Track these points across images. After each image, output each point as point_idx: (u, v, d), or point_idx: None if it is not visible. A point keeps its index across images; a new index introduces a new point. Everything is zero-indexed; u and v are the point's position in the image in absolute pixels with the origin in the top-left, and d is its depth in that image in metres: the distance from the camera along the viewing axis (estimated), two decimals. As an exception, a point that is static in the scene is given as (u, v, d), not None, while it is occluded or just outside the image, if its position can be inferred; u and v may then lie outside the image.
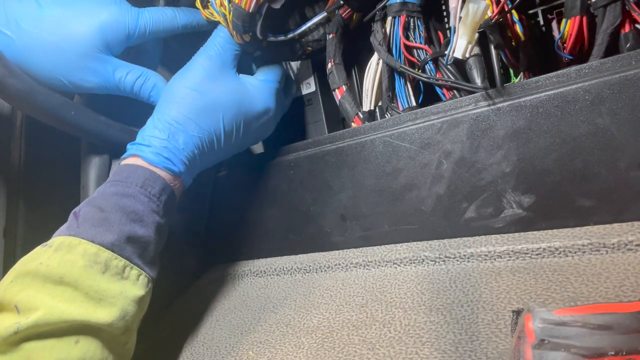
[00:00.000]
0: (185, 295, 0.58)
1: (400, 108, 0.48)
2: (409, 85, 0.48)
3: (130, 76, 0.49)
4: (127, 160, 0.44)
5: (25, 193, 0.57)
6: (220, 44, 0.49)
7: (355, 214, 0.49)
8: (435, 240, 0.44)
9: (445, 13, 0.51)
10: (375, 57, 0.49)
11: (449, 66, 0.45)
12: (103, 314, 0.36)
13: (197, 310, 0.53)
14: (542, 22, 0.48)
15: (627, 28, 0.38)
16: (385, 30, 0.48)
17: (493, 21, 0.40)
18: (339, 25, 0.51)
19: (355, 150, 0.48)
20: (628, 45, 0.38)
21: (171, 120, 0.45)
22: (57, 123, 0.48)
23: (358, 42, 0.54)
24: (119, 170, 0.43)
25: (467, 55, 0.41)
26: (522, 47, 0.44)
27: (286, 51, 0.53)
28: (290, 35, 0.51)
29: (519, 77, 0.46)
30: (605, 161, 0.36)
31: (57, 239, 0.38)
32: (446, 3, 0.50)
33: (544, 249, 0.38)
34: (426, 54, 0.46)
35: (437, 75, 0.45)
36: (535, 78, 0.39)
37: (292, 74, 0.60)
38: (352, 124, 0.51)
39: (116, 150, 0.49)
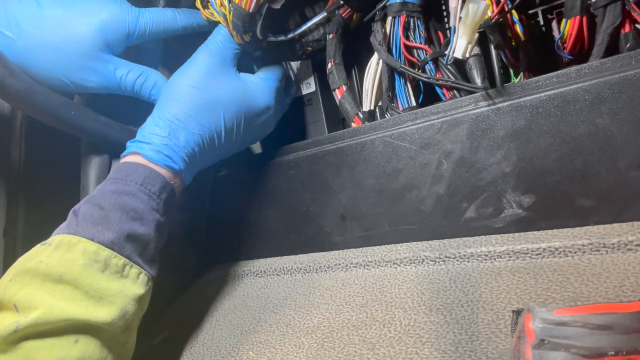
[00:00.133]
0: (185, 295, 0.58)
1: (400, 108, 0.48)
2: (409, 85, 0.48)
3: (131, 75, 0.49)
4: (127, 158, 0.44)
5: (25, 193, 0.57)
6: (221, 42, 0.49)
7: (355, 214, 0.49)
8: (435, 240, 0.44)
9: (445, 13, 0.51)
10: (375, 57, 0.49)
11: (449, 66, 0.45)
12: (103, 313, 0.36)
13: (197, 310, 0.53)
14: (542, 22, 0.48)
15: (627, 28, 0.38)
16: (385, 30, 0.48)
17: (493, 21, 0.40)
18: (339, 25, 0.51)
19: (355, 150, 0.48)
20: (628, 45, 0.38)
21: (172, 117, 0.45)
22: (57, 123, 0.48)
23: (358, 42, 0.54)
24: (119, 168, 0.43)
25: (467, 55, 0.41)
26: (522, 47, 0.44)
27: (286, 51, 0.53)
28: (290, 35, 0.51)
29: (519, 77, 0.46)
30: (605, 161, 0.36)
31: (56, 237, 0.38)
32: (446, 3, 0.50)
33: (544, 249, 0.38)
34: (426, 54, 0.46)
35: (437, 75, 0.45)
36: (535, 78, 0.39)
37: (292, 74, 0.60)
38: (352, 124, 0.51)
39: (116, 150, 0.49)
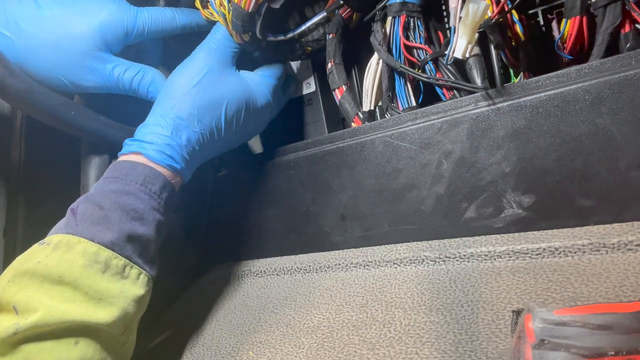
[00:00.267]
0: (185, 295, 0.58)
1: (400, 108, 0.48)
2: (409, 85, 0.48)
3: (128, 73, 0.49)
4: (126, 157, 0.43)
5: (25, 193, 0.57)
6: (220, 40, 0.49)
7: (355, 214, 0.49)
8: (435, 240, 0.44)
9: (445, 13, 0.51)
10: (375, 57, 0.49)
11: (449, 66, 0.45)
12: (103, 314, 0.36)
13: (197, 310, 0.53)
14: (542, 22, 0.48)
15: (627, 28, 0.38)
16: (385, 30, 0.48)
17: (493, 21, 0.40)
18: (339, 25, 0.51)
19: (355, 150, 0.48)
20: (628, 45, 0.38)
21: (174, 116, 0.45)
22: (57, 123, 0.48)
23: (358, 42, 0.54)
24: (117, 167, 0.42)
25: (467, 55, 0.41)
26: (522, 47, 0.44)
27: (286, 51, 0.53)
28: (289, 35, 0.51)
29: (519, 77, 0.46)
30: (605, 161, 0.36)
31: (55, 237, 0.37)
32: (446, 3, 0.50)
33: (544, 249, 0.38)
34: (426, 54, 0.46)
35: (437, 75, 0.45)
36: (535, 78, 0.39)
37: (292, 73, 0.60)
38: (352, 124, 0.51)
39: (116, 150, 0.49)
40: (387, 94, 0.49)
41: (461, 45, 0.40)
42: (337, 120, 0.59)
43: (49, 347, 0.34)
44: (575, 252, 0.37)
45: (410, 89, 0.48)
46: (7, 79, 0.44)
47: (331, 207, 0.50)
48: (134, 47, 0.53)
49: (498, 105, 0.40)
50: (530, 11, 0.48)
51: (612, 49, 0.39)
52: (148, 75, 0.50)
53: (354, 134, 0.48)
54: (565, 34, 0.41)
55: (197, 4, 0.52)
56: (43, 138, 0.59)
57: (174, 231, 0.48)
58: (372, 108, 0.51)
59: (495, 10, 0.39)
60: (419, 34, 0.47)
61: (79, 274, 0.36)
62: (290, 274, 0.51)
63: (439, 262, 0.42)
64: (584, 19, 0.40)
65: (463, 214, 0.43)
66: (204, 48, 0.49)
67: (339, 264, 0.48)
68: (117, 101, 0.54)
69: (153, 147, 0.43)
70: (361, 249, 0.48)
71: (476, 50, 0.43)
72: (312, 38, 0.53)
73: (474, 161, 0.42)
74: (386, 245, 0.47)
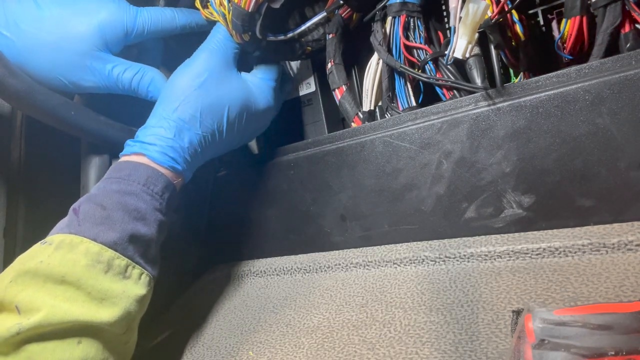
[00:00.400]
0: (185, 295, 0.58)
1: (400, 108, 0.48)
2: (409, 85, 0.48)
3: (128, 73, 0.49)
4: (128, 157, 0.43)
5: (25, 193, 0.57)
6: (221, 41, 0.49)
7: (355, 214, 0.49)
8: (435, 240, 0.44)
9: (445, 13, 0.51)
10: (375, 57, 0.49)
11: (449, 66, 0.45)
12: (105, 314, 0.36)
13: (197, 310, 0.53)
14: (542, 22, 0.48)
15: (627, 28, 0.38)
16: (385, 30, 0.48)
17: (493, 21, 0.40)
18: (338, 25, 0.51)
19: (355, 150, 0.48)
20: (628, 45, 0.38)
21: (177, 118, 0.45)
22: (57, 123, 0.48)
23: (358, 42, 0.54)
24: (119, 167, 0.42)
25: (467, 55, 0.41)
26: (522, 47, 0.44)
27: (286, 51, 0.53)
28: (289, 35, 0.51)
29: (519, 77, 0.46)
30: (605, 161, 0.36)
31: (57, 237, 0.37)
32: (446, 3, 0.50)
33: (544, 249, 0.38)
34: (426, 54, 0.46)
35: (437, 75, 0.45)
36: (535, 78, 0.39)
37: (291, 73, 0.60)
38: (352, 124, 0.51)
39: (116, 150, 0.49)
40: (387, 94, 0.49)
41: (461, 45, 0.40)
42: (337, 120, 0.59)
43: (52, 347, 0.34)
44: (575, 252, 0.37)
45: (410, 89, 0.48)
46: (7, 79, 0.44)
47: (331, 207, 0.50)
48: (134, 47, 0.53)
49: (498, 105, 0.40)
50: (530, 11, 0.48)
51: (612, 49, 0.39)
52: (147, 75, 0.50)
53: (354, 134, 0.48)
54: (565, 34, 0.41)
55: (197, 3, 0.52)
56: (43, 138, 0.59)
57: (175, 231, 0.48)
58: (372, 108, 0.51)
59: (495, 10, 0.39)
60: (419, 34, 0.47)
61: (82, 274, 0.36)
62: (290, 274, 0.51)
63: (439, 262, 0.42)
64: (584, 19, 0.40)
65: (463, 214, 0.43)
66: (206, 49, 0.49)
67: (339, 264, 0.48)
68: (117, 101, 0.54)
69: (156, 148, 0.43)
70: (361, 249, 0.48)
71: (476, 50, 0.43)
72: (312, 38, 0.53)
73: (474, 161, 0.42)
74: (386, 245, 0.47)
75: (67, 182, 0.58)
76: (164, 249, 0.44)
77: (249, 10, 0.46)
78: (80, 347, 0.35)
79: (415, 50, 0.47)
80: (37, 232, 0.55)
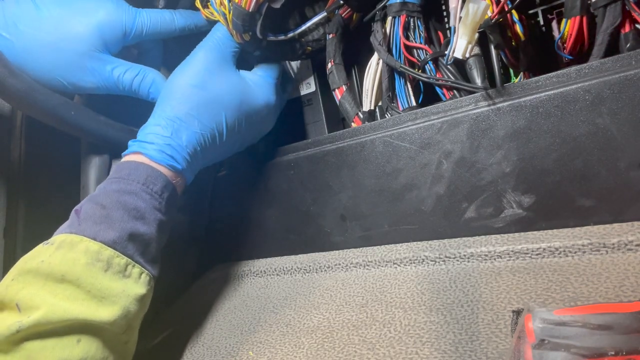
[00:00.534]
0: (185, 295, 0.58)
1: (400, 108, 0.48)
2: (409, 85, 0.48)
3: (129, 74, 0.49)
4: (129, 157, 0.44)
5: (25, 193, 0.57)
6: (220, 39, 0.49)
7: (355, 214, 0.49)
8: (435, 240, 0.44)
9: (445, 13, 0.51)
10: (375, 57, 0.49)
11: (449, 66, 0.45)
12: (105, 313, 0.36)
13: (197, 310, 0.53)
14: (542, 22, 0.48)
15: (627, 28, 0.38)
16: (385, 30, 0.48)
17: (493, 21, 0.40)
18: (339, 25, 0.51)
19: (355, 150, 0.48)
20: (628, 45, 0.38)
21: (173, 117, 0.45)
22: (57, 123, 0.48)
23: (358, 42, 0.54)
24: (120, 167, 0.43)
25: (467, 55, 0.41)
26: (522, 47, 0.44)
27: (286, 51, 0.53)
28: (290, 35, 0.51)
29: (519, 77, 0.46)
30: (605, 161, 0.36)
31: (58, 237, 0.38)
32: (446, 3, 0.50)
33: (544, 249, 0.38)
34: (426, 54, 0.46)
35: (437, 75, 0.45)
36: (535, 78, 0.39)
37: (291, 73, 0.60)
38: (352, 124, 0.51)
39: (116, 150, 0.49)
40: (387, 94, 0.49)
41: (461, 45, 0.40)
42: (337, 120, 0.59)
43: (52, 344, 0.34)
44: (575, 252, 0.37)
45: (410, 89, 0.48)
46: (7, 79, 0.44)
47: (331, 207, 0.50)
48: (134, 48, 0.53)
49: (498, 105, 0.40)
50: (530, 11, 0.48)
51: (612, 49, 0.39)
52: (148, 76, 0.50)
53: (354, 134, 0.48)
54: (565, 34, 0.41)
55: (197, 3, 0.52)
56: (43, 138, 0.59)
57: (175, 231, 0.48)
58: (372, 108, 0.51)
59: (495, 10, 0.39)
60: (419, 34, 0.47)
61: (82, 273, 0.36)
62: (290, 274, 0.51)
63: (439, 262, 0.42)
64: (584, 19, 0.40)
65: (463, 214, 0.43)
66: (203, 47, 0.49)
67: (339, 264, 0.48)
68: (117, 101, 0.54)
69: (154, 147, 0.43)
70: (361, 249, 0.48)
71: (476, 50, 0.43)
72: (312, 38, 0.53)
73: (474, 161, 0.42)
74: (386, 245, 0.47)
75: (67, 182, 0.58)
76: (164, 248, 0.44)
77: (250, 10, 0.46)
78: (80, 345, 0.35)
79: (415, 50, 0.47)
80: (37, 232, 0.55)
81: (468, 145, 0.42)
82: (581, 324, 0.26)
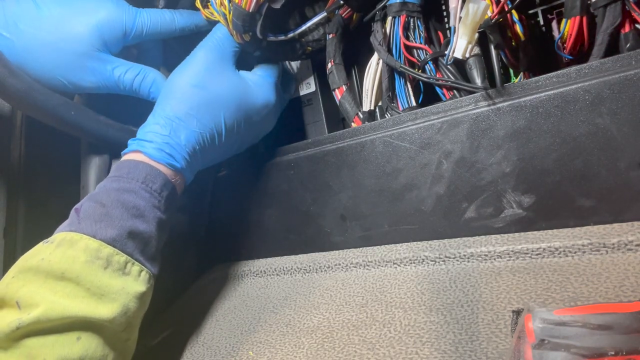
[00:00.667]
0: (185, 295, 0.58)
1: (400, 108, 0.48)
2: (409, 85, 0.48)
3: (129, 73, 0.49)
4: (128, 156, 0.44)
5: (25, 193, 0.57)
6: (220, 39, 0.49)
7: (355, 214, 0.49)
8: (435, 240, 0.44)
9: (445, 13, 0.51)
10: (375, 57, 0.49)
11: (449, 66, 0.45)
12: (104, 310, 0.36)
13: (197, 310, 0.53)
14: (542, 22, 0.48)
15: (627, 28, 0.38)
16: (385, 30, 0.48)
17: (493, 21, 0.40)
18: (339, 25, 0.51)
19: (355, 150, 0.48)
20: (628, 45, 0.38)
21: (172, 116, 0.45)
22: (57, 123, 0.48)
23: (358, 42, 0.54)
24: (120, 166, 0.43)
25: (467, 55, 0.41)
26: (522, 47, 0.44)
27: (286, 51, 0.53)
28: (290, 35, 0.51)
29: (519, 77, 0.46)
30: (605, 161, 0.36)
31: (58, 235, 0.38)
32: (446, 3, 0.50)
33: (544, 249, 0.38)
34: (426, 54, 0.46)
35: (437, 75, 0.45)
36: (535, 78, 0.39)
37: (291, 72, 0.60)
38: (352, 124, 0.51)
39: (116, 150, 0.49)
40: (387, 94, 0.49)
41: (461, 45, 0.40)
42: (337, 120, 0.59)
43: (51, 341, 0.34)
44: (575, 252, 0.37)
45: (410, 89, 0.48)
46: (7, 79, 0.44)
47: (331, 207, 0.50)
48: (134, 48, 0.53)
49: (498, 105, 0.40)
50: (530, 11, 0.48)
51: (612, 49, 0.39)
52: (149, 76, 0.50)
53: (354, 134, 0.48)
54: (565, 34, 0.41)
55: (198, 3, 0.52)
56: (43, 138, 0.59)
57: (175, 231, 0.48)
58: (372, 108, 0.51)
59: (495, 10, 0.39)
60: (419, 34, 0.47)
61: (81, 270, 0.36)
62: (290, 274, 0.51)
63: (439, 262, 0.42)
64: (584, 19, 0.40)
65: (463, 214, 0.43)
66: (203, 47, 0.49)
67: (339, 264, 0.48)
68: (117, 101, 0.54)
69: (152, 145, 0.43)
70: (361, 249, 0.48)
71: (476, 50, 0.43)
72: (312, 38, 0.53)
73: (474, 161, 0.42)
74: (386, 245, 0.47)
75: (67, 182, 0.58)
76: (164, 249, 0.44)
77: (250, 11, 0.46)
78: (79, 342, 0.35)
79: (415, 50, 0.47)
80: (37, 232, 0.55)
81: (468, 145, 0.42)
82: (581, 324, 0.26)
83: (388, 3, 0.47)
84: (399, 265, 0.44)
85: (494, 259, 0.40)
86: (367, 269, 0.46)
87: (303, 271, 0.50)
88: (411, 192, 0.45)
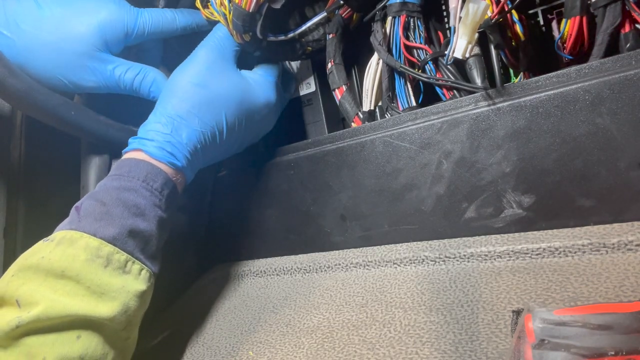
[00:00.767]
0: (185, 295, 0.58)
1: (400, 108, 0.48)
2: (409, 85, 0.48)
3: (130, 73, 0.49)
4: (129, 154, 0.44)
5: (25, 193, 0.57)
6: (221, 38, 0.49)
7: (355, 214, 0.49)
8: (435, 240, 0.44)
9: (445, 13, 0.51)
10: (375, 57, 0.49)
11: (449, 66, 0.45)
12: (105, 309, 0.36)
13: (197, 310, 0.53)
14: (542, 22, 0.48)
15: (627, 28, 0.38)
16: (385, 30, 0.48)
17: (493, 21, 0.40)
18: (339, 25, 0.51)
19: (355, 150, 0.48)
20: (628, 45, 0.38)
21: (174, 114, 0.45)
22: (57, 123, 0.48)
23: (358, 42, 0.54)
24: (121, 164, 0.43)
25: (467, 55, 0.41)
26: (522, 47, 0.44)
27: (286, 51, 0.53)
28: (290, 35, 0.51)
29: (519, 77, 0.46)
30: (605, 161, 0.36)
31: (58, 233, 0.38)
32: (446, 3, 0.50)
33: (544, 249, 0.38)
34: (426, 54, 0.46)
35: (437, 75, 0.45)
36: (535, 78, 0.39)
37: (291, 72, 0.60)
38: (352, 124, 0.51)
39: (116, 150, 0.49)
40: (387, 94, 0.49)
41: (461, 45, 0.40)
42: (337, 120, 0.59)
43: (51, 340, 0.34)
44: (575, 252, 0.37)
45: (410, 89, 0.48)
46: (7, 79, 0.44)
47: (331, 207, 0.50)
48: (134, 47, 0.53)
49: (498, 105, 0.40)
50: (530, 11, 0.48)
51: (612, 49, 0.39)
52: (149, 75, 0.50)
53: (354, 134, 0.48)
54: (565, 34, 0.41)
55: (198, 3, 0.52)
56: (43, 138, 0.59)
57: (175, 231, 0.48)
58: (372, 108, 0.51)
59: (495, 10, 0.39)
60: (419, 34, 0.47)
61: (81, 269, 0.36)
62: (290, 274, 0.51)
63: (439, 262, 0.42)
64: (584, 19, 0.40)
65: (463, 214, 0.43)
66: (204, 46, 0.49)
67: (339, 264, 0.48)
68: (118, 101, 0.54)
69: (153, 144, 0.43)
70: (361, 249, 0.48)
71: (476, 50, 0.43)
72: (312, 38, 0.53)
73: (474, 161, 0.42)
74: (386, 245, 0.47)
75: (67, 182, 0.58)
76: (164, 248, 0.44)
77: (250, 11, 0.46)
78: (79, 341, 0.35)
79: (415, 50, 0.47)
80: (37, 232, 0.55)
81: (468, 145, 0.42)
82: (581, 324, 0.26)
83: (388, 3, 0.47)
84: (399, 265, 0.44)
85: (494, 259, 0.40)
86: (367, 269, 0.46)
87: (303, 271, 0.50)
88: (411, 192, 0.45)
